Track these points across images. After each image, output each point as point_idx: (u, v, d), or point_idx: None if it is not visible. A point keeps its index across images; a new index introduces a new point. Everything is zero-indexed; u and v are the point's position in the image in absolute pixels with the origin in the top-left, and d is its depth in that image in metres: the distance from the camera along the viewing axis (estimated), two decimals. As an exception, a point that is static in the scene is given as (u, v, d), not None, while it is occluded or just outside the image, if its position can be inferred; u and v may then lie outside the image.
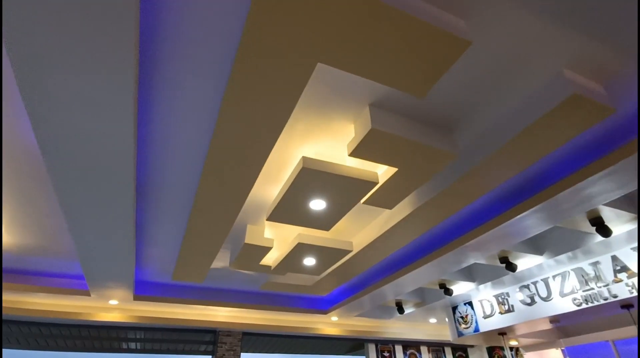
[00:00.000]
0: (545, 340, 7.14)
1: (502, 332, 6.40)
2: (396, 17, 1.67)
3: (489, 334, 6.57)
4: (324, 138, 2.70)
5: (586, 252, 4.44)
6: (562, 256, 4.49)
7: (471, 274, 5.55)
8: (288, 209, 3.09)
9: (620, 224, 3.76)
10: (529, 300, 5.40)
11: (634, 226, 3.71)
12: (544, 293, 5.19)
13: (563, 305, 4.91)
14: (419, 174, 2.77)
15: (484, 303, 6.19)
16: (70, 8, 1.50)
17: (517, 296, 5.59)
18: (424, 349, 8.30)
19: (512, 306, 5.66)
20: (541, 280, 5.25)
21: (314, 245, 3.82)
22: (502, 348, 8.12)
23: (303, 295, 6.27)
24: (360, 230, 4.14)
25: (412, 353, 8.17)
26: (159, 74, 2.12)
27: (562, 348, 6.80)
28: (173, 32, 1.89)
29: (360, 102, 2.40)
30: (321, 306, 6.64)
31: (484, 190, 3.05)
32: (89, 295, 5.13)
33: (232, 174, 2.67)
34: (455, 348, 8.50)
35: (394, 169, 2.77)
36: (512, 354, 8.00)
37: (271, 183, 3.23)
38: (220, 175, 2.69)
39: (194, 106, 2.37)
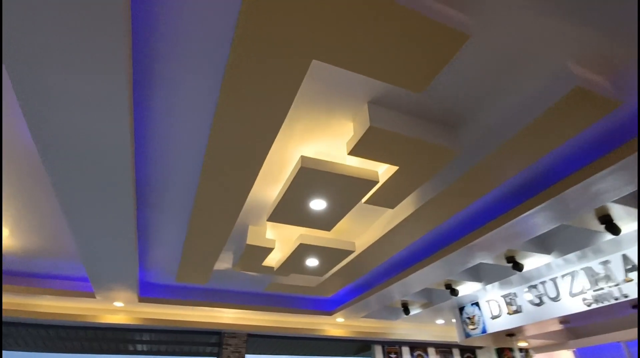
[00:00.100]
0: (555, 342, 7.00)
1: (511, 333, 6.29)
2: (392, 10, 1.63)
3: (498, 335, 6.46)
4: (323, 137, 2.67)
5: (596, 251, 4.33)
6: (571, 256, 4.39)
7: (478, 274, 5.46)
8: (288, 209, 3.06)
9: (630, 222, 3.66)
10: (537, 301, 5.30)
11: (644, 223, 3.61)
12: (552, 294, 5.09)
13: (572, 305, 4.80)
14: (421, 172, 2.72)
15: (491, 303, 6.08)
16: (59, 6, 1.49)
17: (525, 297, 5.49)
18: (431, 350, 8.20)
19: (520, 306, 5.56)
20: (550, 279, 5.14)
21: (316, 246, 3.79)
22: (511, 350, 7.98)
23: (308, 296, 6.23)
24: (364, 230, 4.09)
25: (419, 355, 8.08)
26: (155, 73, 2.11)
27: (573, 350, 6.66)
28: (168, 30, 1.88)
29: (359, 100, 2.37)
30: (326, 307, 6.60)
31: (489, 188, 2.99)
32: (94, 297, 5.15)
33: (231, 174, 2.65)
34: (463, 349, 8.38)
35: (394, 168, 2.72)
36: (522, 356, 7.87)
37: (272, 184, 3.20)
38: (220, 176, 2.67)
39: (192, 105, 2.35)
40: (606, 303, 4.40)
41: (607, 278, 4.43)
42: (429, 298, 6.29)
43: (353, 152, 2.45)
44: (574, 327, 6.31)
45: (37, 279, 4.91)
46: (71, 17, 1.54)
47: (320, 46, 1.77)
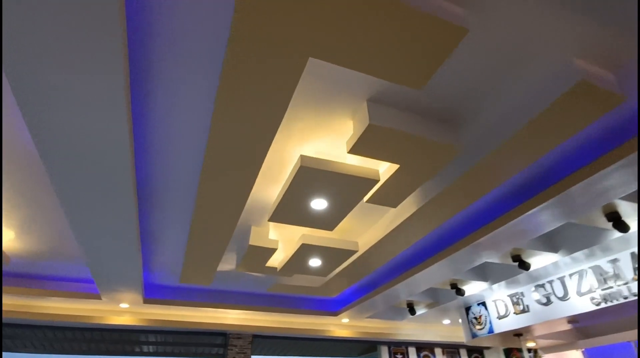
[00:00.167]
0: (564, 342, 6.89)
1: (518, 333, 6.21)
2: (389, 5, 1.60)
3: (505, 335, 6.38)
4: (323, 136, 2.65)
5: (604, 249, 4.25)
6: (579, 254, 4.31)
7: (484, 273, 5.40)
8: (289, 209, 3.04)
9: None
10: (544, 300, 5.22)
11: (654, 220, 3.53)
12: (560, 293, 5.01)
13: (581, 304, 4.72)
14: (422, 170, 2.69)
15: (498, 303, 6.01)
16: (55, 6, 1.49)
17: (532, 296, 5.41)
18: (438, 351, 8.13)
19: (527, 306, 5.48)
20: (557, 278, 5.06)
21: (318, 246, 3.77)
22: (519, 350, 7.88)
23: (312, 296, 6.21)
24: (367, 230, 4.07)
25: (425, 355, 8.02)
26: (153, 73, 2.11)
27: (582, 350, 6.55)
28: (164, 29, 1.87)
29: (359, 98, 2.35)
30: (331, 307, 6.58)
31: (492, 186, 2.95)
32: (100, 299, 5.19)
33: (231, 174, 2.65)
34: (470, 350, 8.29)
35: (395, 167, 2.70)
36: (530, 356, 7.76)
37: (274, 184, 3.19)
38: (220, 176, 2.66)
39: (191, 105, 2.35)
40: (615, 302, 4.31)
41: (616, 276, 4.35)
42: (435, 298, 6.24)
43: (353, 150, 2.42)
44: (582, 326, 6.20)
45: (43, 281, 4.96)
46: (66, 17, 1.54)
47: (317, 43, 1.75)
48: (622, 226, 3.45)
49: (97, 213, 3.00)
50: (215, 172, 2.61)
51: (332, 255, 3.98)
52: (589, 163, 2.85)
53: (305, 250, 3.83)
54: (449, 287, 5.48)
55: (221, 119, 2.15)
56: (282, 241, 4.25)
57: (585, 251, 4.22)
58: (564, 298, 4.95)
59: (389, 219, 3.69)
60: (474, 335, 6.45)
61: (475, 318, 6.41)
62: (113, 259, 3.88)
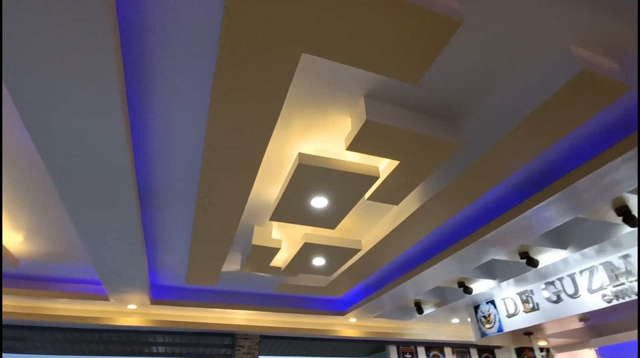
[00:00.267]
0: (576, 340, 6.75)
1: (528, 332, 6.10)
2: (379, -1, 1.58)
3: (515, 334, 6.28)
4: (322, 133, 2.64)
5: (615, 244, 4.15)
6: (589, 250, 4.22)
7: (491, 271, 5.32)
8: (290, 208, 3.03)
9: (650, 213, 3.49)
10: (554, 298, 5.12)
11: (666, 214, 3.43)
12: (570, 290, 4.90)
13: (592, 302, 4.61)
14: (423, 166, 2.65)
15: (507, 301, 5.91)
16: (44, 8, 1.50)
17: (542, 294, 5.31)
18: (447, 350, 8.04)
19: (537, 304, 5.38)
20: (567, 275, 4.96)
21: (321, 245, 3.75)
22: (531, 350, 7.74)
23: (319, 296, 6.19)
24: (370, 228, 4.04)
25: (435, 355, 7.93)
26: (148, 73, 2.12)
27: (596, 349, 6.41)
28: (157, 30, 1.88)
29: (356, 94, 2.32)
30: (338, 307, 6.55)
31: (495, 181, 2.89)
32: (108, 300, 5.25)
33: (230, 174, 2.64)
34: (481, 349, 8.18)
35: (396, 163, 2.66)
36: (542, 355, 7.62)
37: (275, 183, 3.18)
38: (219, 175, 2.66)
39: (188, 105, 2.35)
40: (627, 299, 4.20)
41: (628, 273, 4.24)
42: (442, 297, 6.16)
43: (351, 147, 2.40)
44: (595, 324, 6.07)
45: (53, 283, 5.03)
46: (57, 18, 1.55)
47: (309, 38, 1.73)
48: (632, 221, 3.36)
49: (99, 214, 3.03)
50: (214, 172, 2.61)
51: (336, 254, 3.96)
52: (595, 155, 2.79)
53: (308, 249, 3.82)
54: (456, 286, 5.41)
55: (217, 117, 2.15)
56: (286, 240, 4.24)
57: (595, 247, 4.12)
58: (574, 295, 4.85)
59: (391, 217, 3.65)
60: (483, 334, 6.36)
61: (484, 316, 6.32)
62: (118, 260, 3.91)
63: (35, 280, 4.97)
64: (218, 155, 2.45)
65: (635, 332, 5.69)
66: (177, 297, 5.61)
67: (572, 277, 4.90)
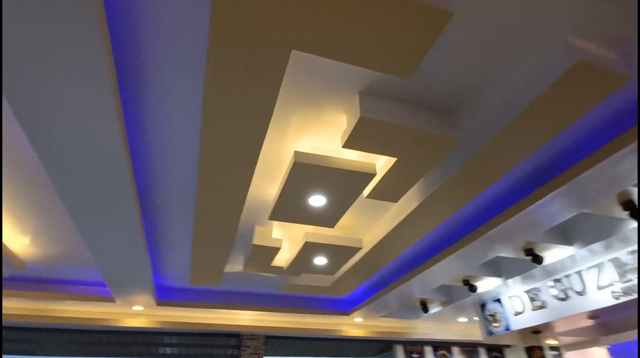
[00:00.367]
0: (586, 338, 6.63)
1: (537, 330, 6.01)
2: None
3: (523, 333, 6.19)
4: (319, 131, 2.63)
5: (622, 240, 4.06)
6: (596, 246, 4.14)
7: (497, 269, 5.24)
8: (288, 207, 3.02)
9: (657, 206, 3.41)
10: (562, 295, 5.03)
11: (674, 208, 3.35)
12: (578, 287, 4.81)
13: (600, 299, 4.52)
14: (421, 162, 2.63)
15: (513, 299, 5.83)
16: (34, 11, 1.52)
17: (549, 292, 5.22)
18: (455, 350, 7.95)
19: (545, 302, 5.29)
20: (575, 272, 4.87)
21: (322, 244, 3.74)
22: (541, 349, 7.61)
23: (324, 296, 6.18)
24: (372, 227, 4.01)
25: (443, 355, 7.85)
26: (141, 75, 2.13)
27: (607, 346, 6.28)
28: (148, 30, 1.88)
29: (351, 91, 2.31)
30: (344, 307, 6.53)
31: (496, 176, 2.86)
32: (114, 301, 5.30)
33: (227, 173, 2.65)
34: (489, 348, 8.07)
35: (393, 160, 2.64)
36: (553, 355, 7.49)
37: (274, 183, 3.18)
38: (216, 175, 2.67)
39: (183, 106, 2.36)
40: (635, 296, 4.12)
41: (637, 268, 4.15)
42: (448, 296, 6.10)
43: (347, 144, 2.39)
44: (605, 322, 5.95)
45: (59, 285, 5.10)
46: (47, 23, 1.56)
47: (298, 35, 1.73)
48: (639, 215, 3.28)
49: (99, 215, 3.05)
50: (211, 171, 2.61)
51: (337, 253, 3.95)
52: (598, 148, 2.73)
53: (309, 248, 3.81)
54: (461, 284, 5.35)
55: (211, 117, 2.15)
56: (288, 240, 4.24)
57: (603, 242, 4.04)
58: (582, 292, 4.76)
59: (392, 215, 3.63)
60: (490, 333, 6.28)
61: (492, 315, 6.24)
62: (121, 262, 3.95)
63: (42, 282, 5.04)
64: (214, 154, 2.45)
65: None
66: (183, 298, 5.64)
67: (579, 274, 4.81)
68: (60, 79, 1.82)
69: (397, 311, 6.45)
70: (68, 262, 4.59)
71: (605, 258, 4.49)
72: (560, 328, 5.87)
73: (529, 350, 7.77)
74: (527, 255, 4.29)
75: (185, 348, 6.62)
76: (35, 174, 2.90)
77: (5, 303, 5.21)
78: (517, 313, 5.76)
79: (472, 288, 5.22)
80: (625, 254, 4.28)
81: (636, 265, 4.16)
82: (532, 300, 5.50)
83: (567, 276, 4.98)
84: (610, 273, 4.43)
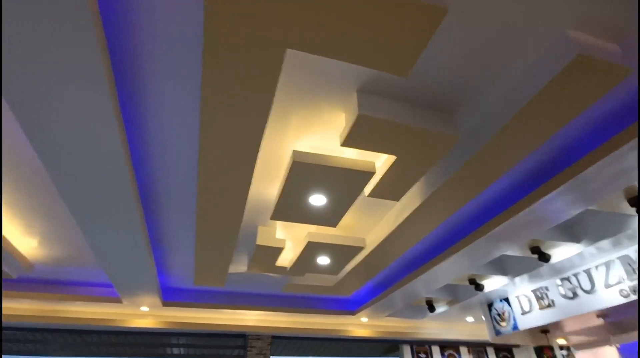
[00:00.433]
0: (596, 338, 6.52)
1: (545, 330, 5.92)
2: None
3: (532, 332, 6.10)
4: (318, 130, 2.62)
5: (631, 237, 3.98)
6: (604, 243, 4.06)
7: (503, 267, 5.19)
8: (289, 206, 3.03)
9: (666, 202, 3.34)
10: (570, 294, 4.95)
11: (683, 204, 3.27)
12: (586, 286, 4.74)
13: (609, 297, 4.44)
14: (421, 160, 2.61)
15: (521, 298, 5.76)
16: (30, 12, 1.54)
17: (557, 290, 5.14)
18: (463, 350, 7.88)
19: (552, 301, 5.22)
20: (583, 271, 4.79)
21: (325, 243, 3.74)
22: (551, 349, 7.51)
23: (329, 296, 6.17)
24: (374, 226, 3.99)
25: (450, 355, 7.80)
26: (139, 75, 2.15)
27: (617, 346, 6.17)
28: (144, 31, 1.90)
29: (349, 89, 2.30)
30: (349, 307, 6.51)
31: (498, 173, 2.83)
32: (121, 302, 5.35)
33: (227, 173, 2.66)
34: (498, 348, 7.99)
35: (393, 158, 2.63)
36: (562, 354, 7.38)
37: (275, 182, 3.18)
38: (216, 175, 2.68)
39: (180, 105, 2.38)
40: (645, 295, 4.04)
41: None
42: (454, 295, 6.05)
43: (346, 143, 2.38)
44: (615, 320, 5.84)
45: (66, 286, 5.17)
46: (43, 24, 1.59)
47: (293, 34, 1.73)
48: (638, 210, 3.22)
49: (101, 216, 3.09)
50: (211, 171, 2.63)
51: (340, 252, 3.94)
52: (601, 144, 2.68)
53: (312, 248, 3.81)
54: (467, 283, 5.30)
55: (209, 117, 2.16)
56: (291, 240, 4.24)
57: (611, 240, 3.97)
58: (590, 291, 4.68)
59: (395, 214, 3.61)
60: (497, 333, 6.21)
61: (499, 314, 6.17)
62: (125, 263, 3.99)
63: (50, 283, 5.11)
64: (214, 154, 2.46)
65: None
66: (189, 299, 5.68)
67: (587, 272, 4.74)
68: (59, 80, 1.84)
69: (403, 310, 6.41)
70: (75, 263, 4.65)
71: (614, 255, 4.41)
72: (569, 327, 5.77)
73: (539, 350, 7.67)
74: (534, 252, 4.23)
75: (192, 348, 6.67)
76: (45, 177, 2.94)
77: (13, 305, 5.30)
78: (524, 313, 5.69)
79: (479, 287, 5.17)
80: (634, 251, 4.20)
81: (645, 263, 4.09)
82: (540, 298, 5.42)
83: (575, 274, 4.90)
84: (619, 271, 4.35)
